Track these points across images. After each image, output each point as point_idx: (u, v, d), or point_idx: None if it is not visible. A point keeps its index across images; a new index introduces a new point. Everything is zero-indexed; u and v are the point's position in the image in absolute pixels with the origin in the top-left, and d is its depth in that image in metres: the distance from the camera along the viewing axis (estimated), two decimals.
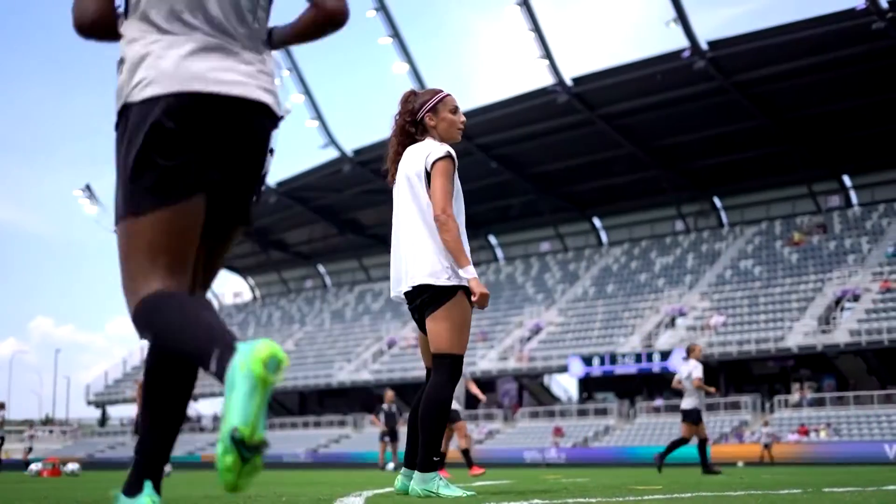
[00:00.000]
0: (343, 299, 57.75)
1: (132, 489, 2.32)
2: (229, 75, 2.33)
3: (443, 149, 4.61)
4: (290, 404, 52.25)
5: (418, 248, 4.55)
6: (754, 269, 41.81)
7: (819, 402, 34.63)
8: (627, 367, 38.04)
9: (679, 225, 48.60)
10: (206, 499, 4.70)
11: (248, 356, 1.87)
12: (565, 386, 47.01)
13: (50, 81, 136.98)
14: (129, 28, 2.38)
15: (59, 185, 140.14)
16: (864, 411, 32.74)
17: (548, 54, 39.45)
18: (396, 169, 4.78)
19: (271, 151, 2.45)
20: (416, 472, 4.52)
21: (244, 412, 1.84)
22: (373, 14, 41.69)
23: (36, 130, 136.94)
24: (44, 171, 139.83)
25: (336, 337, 51.87)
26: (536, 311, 45.41)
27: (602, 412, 39.55)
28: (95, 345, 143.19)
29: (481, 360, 42.03)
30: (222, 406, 1.91)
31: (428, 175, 4.60)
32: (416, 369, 41.59)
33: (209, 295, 2.84)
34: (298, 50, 41.63)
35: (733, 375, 37.82)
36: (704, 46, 36.70)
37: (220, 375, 1.95)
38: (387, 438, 21.24)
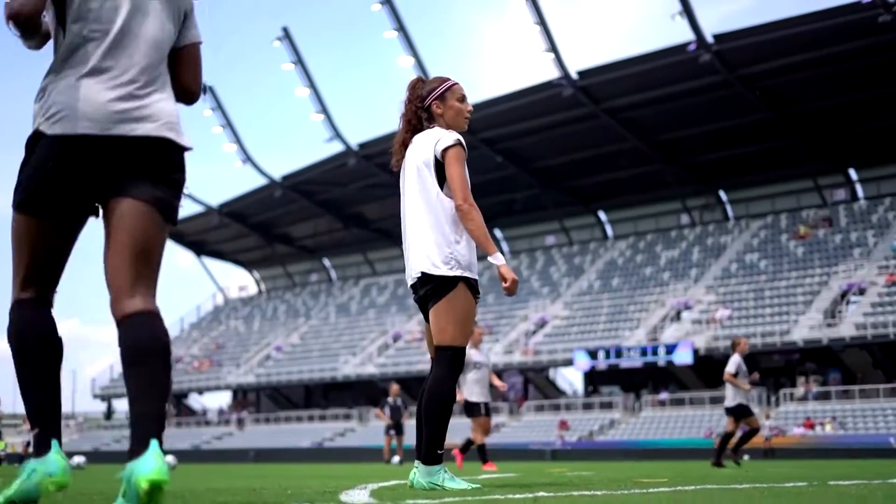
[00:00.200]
0: (348, 293, 57.77)
1: (41, 449, 2.73)
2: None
3: (452, 136, 4.60)
4: (295, 398, 52.32)
5: (422, 238, 4.55)
6: (760, 263, 41.75)
7: (824, 396, 34.60)
8: (633, 361, 38.03)
9: (684, 218, 48.52)
10: (210, 491, 4.70)
11: (137, 474, 2.37)
12: (570, 379, 47.02)
13: None
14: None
15: None
16: (869, 405, 32.71)
17: (553, 47, 39.38)
18: (403, 156, 4.76)
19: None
20: (420, 464, 4.52)
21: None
22: (378, 8, 41.67)
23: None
24: None
25: (341, 330, 51.89)
26: (542, 305, 45.40)
27: (607, 406, 39.55)
28: (101, 338, 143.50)
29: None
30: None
31: (437, 163, 4.58)
32: (422, 363, 41.62)
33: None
34: (303, 43, 41.66)
35: None
36: (710, 40, 36.61)
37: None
38: (392, 432, 21.27)
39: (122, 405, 58.35)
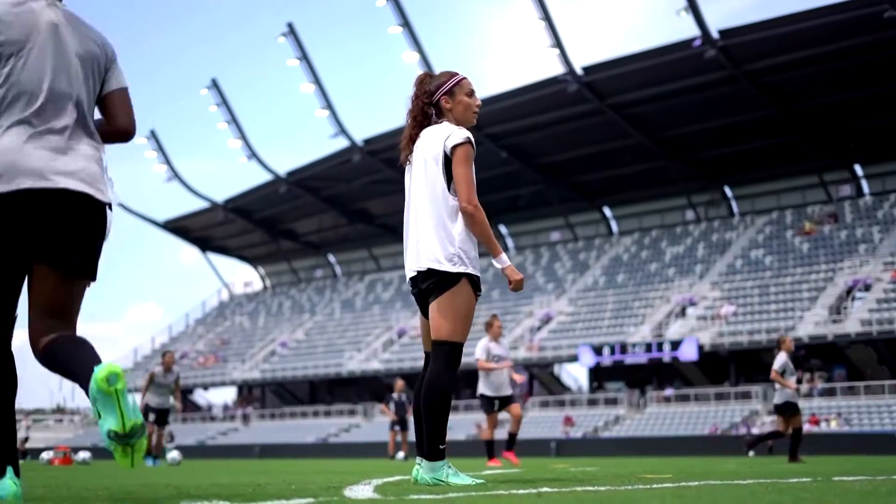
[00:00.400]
0: (353, 289, 57.81)
1: None
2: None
3: (462, 134, 4.58)
4: (300, 393, 52.38)
5: (427, 233, 4.53)
6: (765, 259, 41.69)
7: (830, 392, 34.55)
8: (638, 357, 38.02)
9: (689, 214, 48.47)
10: (215, 486, 4.72)
11: (94, 378, 2.62)
12: (575, 375, 47.00)
13: None
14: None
15: None
16: (874, 401, 32.66)
17: (558, 43, 39.33)
18: (411, 151, 4.74)
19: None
20: (423, 460, 4.51)
21: (110, 415, 2.59)
22: (383, 3, 41.62)
23: None
24: None
25: (346, 326, 51.94)
26: (546, 301, 45.39)
27: (612, 402, 39.53)
28: (107, 335, 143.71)
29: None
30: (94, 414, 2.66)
31: (446, 158, 4.56)
32: None
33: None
34: (308, 39, 41.66)
35: (743, 365, 37.75)
36: (715, 35, 36.54)
37: None
38: (397, 427, 21.31)
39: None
